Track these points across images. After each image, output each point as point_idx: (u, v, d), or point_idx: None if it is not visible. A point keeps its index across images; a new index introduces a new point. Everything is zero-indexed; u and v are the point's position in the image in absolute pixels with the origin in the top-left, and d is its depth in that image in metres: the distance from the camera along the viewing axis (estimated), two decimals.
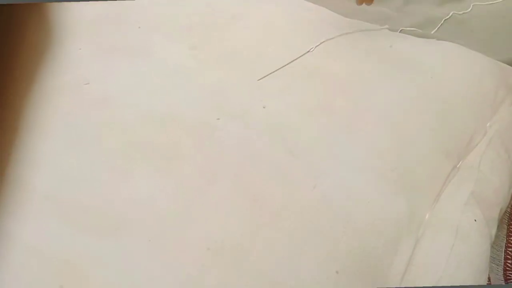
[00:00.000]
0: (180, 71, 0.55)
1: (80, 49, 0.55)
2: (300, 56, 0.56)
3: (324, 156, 0.45)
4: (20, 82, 0.49)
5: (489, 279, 0.49)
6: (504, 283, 0.49)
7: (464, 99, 0.55)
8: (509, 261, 0.51)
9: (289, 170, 0.43)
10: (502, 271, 0.51)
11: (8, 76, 0.46)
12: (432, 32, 0.90)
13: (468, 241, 0.41)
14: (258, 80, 0.53)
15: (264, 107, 0.50)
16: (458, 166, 0.50)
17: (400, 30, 0.86)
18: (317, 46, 0.58)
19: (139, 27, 0.61)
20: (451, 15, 0.95)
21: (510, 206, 0.56)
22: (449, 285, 0.39)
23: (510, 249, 0.52)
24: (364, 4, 0.95)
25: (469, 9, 0.96)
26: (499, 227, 0.53)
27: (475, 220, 0.43)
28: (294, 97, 0.51)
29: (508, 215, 0.56)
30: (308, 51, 0.57)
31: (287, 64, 0.55)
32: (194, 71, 0.55)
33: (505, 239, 0.54)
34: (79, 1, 0.63)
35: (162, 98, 0.49)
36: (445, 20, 0.94)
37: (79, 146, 0.43)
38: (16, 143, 0.40)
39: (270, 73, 0.54)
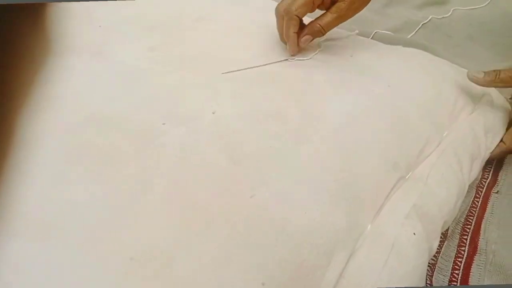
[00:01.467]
0: (135, 72, 0.54)
1: None
2: (274, 63, 0.56)
3: (266, 166, 0.44)
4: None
5: None
6: None
7: (420, 107, 0.55)
8: (456, 272, 0.51)
9: (228, 178, 0.43)
10: (448, 282, 0.51)
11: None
12: (408, 37, 0.89)
13: (403, 256, 0.41)
14: (223, 73, 0.53)
15: (213, 113, 0.49)
16: (407, 177, 0.50)
17: (374, 33, 0.85)
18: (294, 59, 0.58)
19: (100, 26, 0.60)
20: (430, 19, 0.94)
21: (465, 216, 0.56)
22: None
23: (459, 259, 0.52)
24: None
25: (449, 14, 0.95)
26: (450, 237, 0.53)
27: (414, 234, 0.43)
28: (247, 103, 0.51)
29: (461, 225, 0.56)
30: (287, 60, 0.58)
31: (254, 67, 0.55)
32: (149, 73, 0.55)
33: (456, 249, 0.54)
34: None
35: (110, 100, 0.49)
36: (423, 24, 0.93)
37: (19, 149, 0.42)
38: None
39: (237, 70, 0.53)
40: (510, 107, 0.64)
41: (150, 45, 0.60)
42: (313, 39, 0.60)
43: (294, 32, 0.58)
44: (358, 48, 0.62)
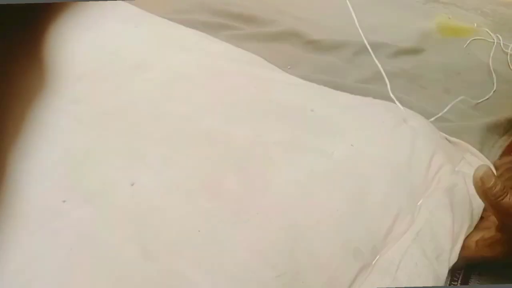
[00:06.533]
0: (47, 132, 0.45)
1: None
2: None
3: (192, 260, 0.34)
4: None
5: None
6: None
7: (389, 171, 0.46)
8: None
9: (137, 281, 0.32)
10: None
11: None
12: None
13: None
14: None
15: (132, 185, 0.39)
16: (373, 263, 0.40)
17: (344, 83, 0.78)
18: None
19: None
20: (403, 69, 0.88)
21: None
22: None
23: None
24: (312, 53, 0.86)
25: (423, 63, 0.89)
26: None
27: None
28: (177, 170, 0.41)
29: None
30: None
31: None
32: (62, 132, 0.45)
33: None
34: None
35: None
36: (395, 74, 0.87)
37: None
38: None
39: None
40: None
41: (74, 98, 0.50)
42: None
43: None
44: (321, 100, 0.53)
